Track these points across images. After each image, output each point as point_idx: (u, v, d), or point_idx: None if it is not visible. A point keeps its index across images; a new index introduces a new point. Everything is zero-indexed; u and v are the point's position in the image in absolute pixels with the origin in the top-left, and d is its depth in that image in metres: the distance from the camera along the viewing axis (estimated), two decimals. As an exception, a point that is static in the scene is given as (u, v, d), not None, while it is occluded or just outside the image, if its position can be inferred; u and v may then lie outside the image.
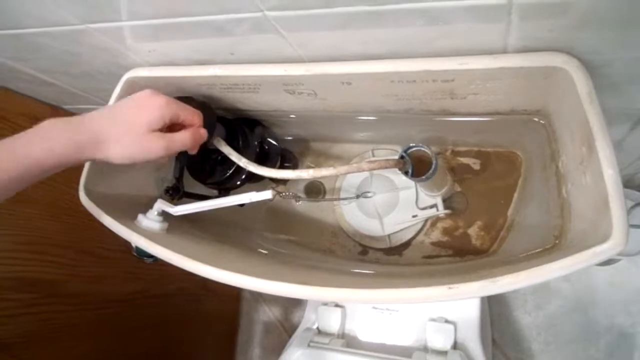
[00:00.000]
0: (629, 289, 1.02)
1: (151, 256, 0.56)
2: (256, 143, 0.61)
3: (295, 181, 0.76)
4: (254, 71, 0.48)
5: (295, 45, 0.44)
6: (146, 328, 0.95)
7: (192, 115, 0.47)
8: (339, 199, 0.74)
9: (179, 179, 0.57)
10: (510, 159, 0.65)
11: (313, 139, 0.75)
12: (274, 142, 0.66)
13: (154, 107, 0.44)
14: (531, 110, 0.49)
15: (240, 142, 0.58)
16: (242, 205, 0.58)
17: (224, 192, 0.62)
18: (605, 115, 0.37)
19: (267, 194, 0.50)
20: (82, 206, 0.51)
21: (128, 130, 0.43)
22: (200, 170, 0.60)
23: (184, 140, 0.46)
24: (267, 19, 0.40)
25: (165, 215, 0.52)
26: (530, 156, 0.61)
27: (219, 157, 0.58)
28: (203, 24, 0.42)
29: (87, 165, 0.53)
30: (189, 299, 1.10)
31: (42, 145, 0.40)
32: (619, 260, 0.96)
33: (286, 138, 0.72)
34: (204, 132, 0.49)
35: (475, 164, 0.67)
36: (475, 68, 0.40)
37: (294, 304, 1.26)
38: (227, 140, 0.55)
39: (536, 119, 0.51)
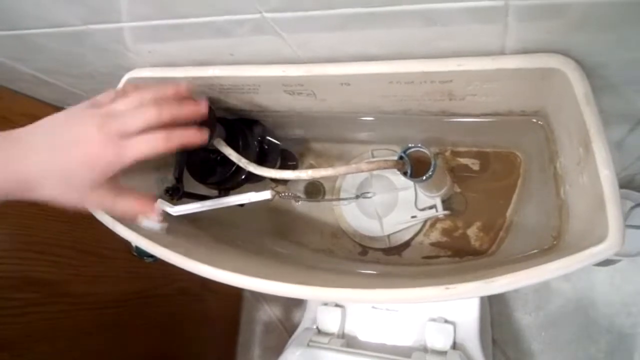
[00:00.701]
0: (630, 290, 1.02)
1: (151, 256, 0.57)
2: (256, 143, 0.61)
3: (295, 181, 0.77)
4: (253, 72, 0.48)
5: (294, 47, 0.44)
6: (147, 328, 0.95)
7: (148, 149, 0.39)
8: (339, 199, 0.74)
9: (179, 179, 0.57)
10: (509, 159, 0.65)
11: (313, 140, 0.75)
12: (274, 142, 0.66)
13: (101, 164, 0.37)
14: (529, 111, 0.49)
15: (240, 143, 0.58)
16: (242, 205, 0.59)
17: (224, 192, 0.63)
18: (604, 116, 0.37)
19: (266, 194, 0.51)
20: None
21: (65, 183, 0.37)
22: (201, 170, 0.60)
23: (127, 206, 0.42)
24: (265, 20, 0.40)
25: (165, 215, 0.53)
26: (529, 157, 0.62)
27: (219, 158, 0.58)
28: (202, 26, 0.43)
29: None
30: (190, 299, 1.10)
31: None
32: (619, 260, 0.96)
33: (286, 138, 0.73)
34: (147, 202, 0.44)
35: (474, 164, 0.67)
36: (472, 69, 0.40)
37: (295, 304, 1.27)
38: (227, 141, 0.55)
39: (534, 120, 0.51)
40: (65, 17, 0.45)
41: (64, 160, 0.37)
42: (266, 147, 0.65)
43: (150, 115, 0.39)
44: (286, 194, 0.57)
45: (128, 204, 0.42)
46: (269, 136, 0.65)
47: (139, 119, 0.39)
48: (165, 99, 0.42)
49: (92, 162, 0.37)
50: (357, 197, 0.71)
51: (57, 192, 0.38)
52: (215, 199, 0.52)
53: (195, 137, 0.42)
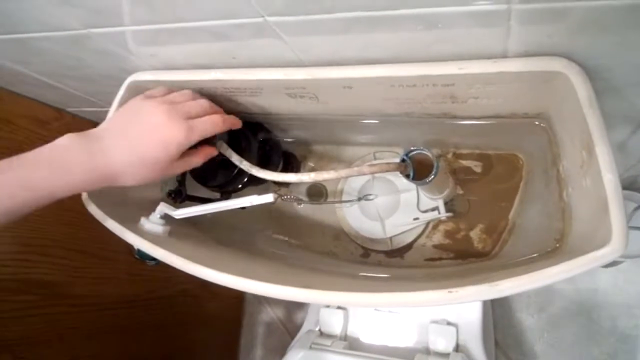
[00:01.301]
0: (633, 291, 1.01)
1: (153, 259, 0.57)
2: (258, 146, 0.61)
3: (297, 184, 0.77)
4: (255, 75, 0.48)
5: (296, 50, 0.45)
6: (149, 330, 0.96)
7: (212, 127, 0.47)
8: (341, 201, 0.74)
9: (182, 182, 0.57)
10: (512, 161, 0.64)
11: (315, 142, 0.75)
12: (276, 145, 0.66)
13: (175, 143, 0.43)
14: (532, 114, 0.49)
15: (242, 146, 0.58)
16: (244, 208, 0.59)
17: (226, 194, 0.63)
18: (607, 118, 0.37)
19: (268, 197, 0.51)
20: (86, 208, 0.51)
21: (146, 166, 0.43)
22: (203, 173, 0.60)
23: (196, 162, 0.49)
24: (268, 24, 0.40)
25: (167, 218, 0.53)
26: (532, 159, 0.61)
27: (221, 160, 0.58)
28: (204, 29, 0.43)
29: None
30: (192, 301, 1.10)
31: (61, 181, 0.40)
32: (622, 261, 0.96)
33: (288, 141, 0.73)
34: (211, 150, 0.51)
35: (477, 166, 0.67)
36: (474, 72, 0.40)
37: (297, 306, 1.27)
38: (229, 144, 0.55)
39: (537, 123, 0.51)
40: (67, 21, 0.45)
41: (142, 147, 0.43)
42: (268, 149, 0.65)
43: (205, 102, 0.49)
44: (288, 196, 0.57)
45: (197, 159, 0.49)
46: (271, 139, 0.65)
47: (198, 106, 0.48)
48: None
49: (166, 144, 0.43)
50: (360, 199, 0.71)
51: (140, 176, 0.44)
52: (218, 202, 0.52)
53: (236, 121, 0.52)
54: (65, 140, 0.41)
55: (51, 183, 0.39)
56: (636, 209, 0.81)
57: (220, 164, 0.59)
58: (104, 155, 0.41)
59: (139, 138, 0.43)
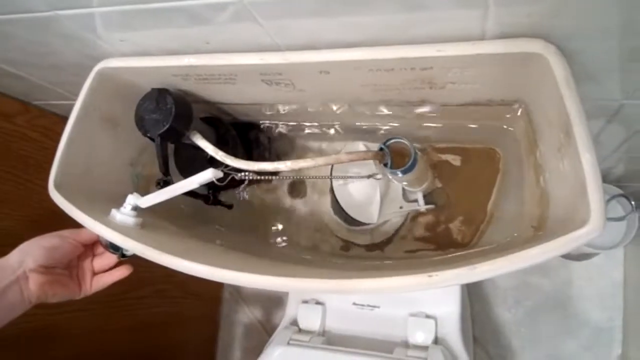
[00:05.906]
0: (606, 284, 1.03)
1: (118, 249, 0.56)
2: (243, 145, 0.60)
3: (281, 180, 0.75)
4: (230, 60, 0.47)
5: (272, 34, 0.43)
6: (125, 331, 0.93)
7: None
8: (347, 177, 0.68)
9: (166, 172, 0.55)
10: (489, 155, 0.65)
11: (300, 138, 0.74)
12: (261, 142, 0.65)
13: None
14: (509, 100, 0.49)
15: (230, 144, 0.57)
16: (230, 207, 0.57)
17: (214, 190, 0.61)
18: (582, 107, 0.37)
19: (207, 174, 0.47)
20: (56, 206, 0.49)
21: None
22: (189, 168, 0.58)
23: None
24: (243, 5, 0.39)
25: (140, 210, 0.51)
26: (508, 150, 0.62)
27: (208, 156, 0.57)
28: (177, 11, 0.41)
29: (56, 162, 0.51)
30: (169, 302, 1.08)
31: None
32: (596, 254, 0.97)
33: (271, 137, 0.71)
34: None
35: (455, 160, 0.67)
36: (452, 55, 0.40)
37: (275, 305, 1.25)
38: (217, 141, 0.54)
39: (514, 107, 0.51)
40: (30, 2, 0.43)
41: None
42: (255, 150, 0.64)
43: None
44: (240, 175, 0.53)
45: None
46: (254, 136, 0.65)
47: None
48: None
49: None
50: (369, 176, 0.67)
51: None
52: (173, 185, 0.50)
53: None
54: None
55: None
56: (609, 200, 0.83)
57: (207, 159, 0.57)
58: None
59: None
